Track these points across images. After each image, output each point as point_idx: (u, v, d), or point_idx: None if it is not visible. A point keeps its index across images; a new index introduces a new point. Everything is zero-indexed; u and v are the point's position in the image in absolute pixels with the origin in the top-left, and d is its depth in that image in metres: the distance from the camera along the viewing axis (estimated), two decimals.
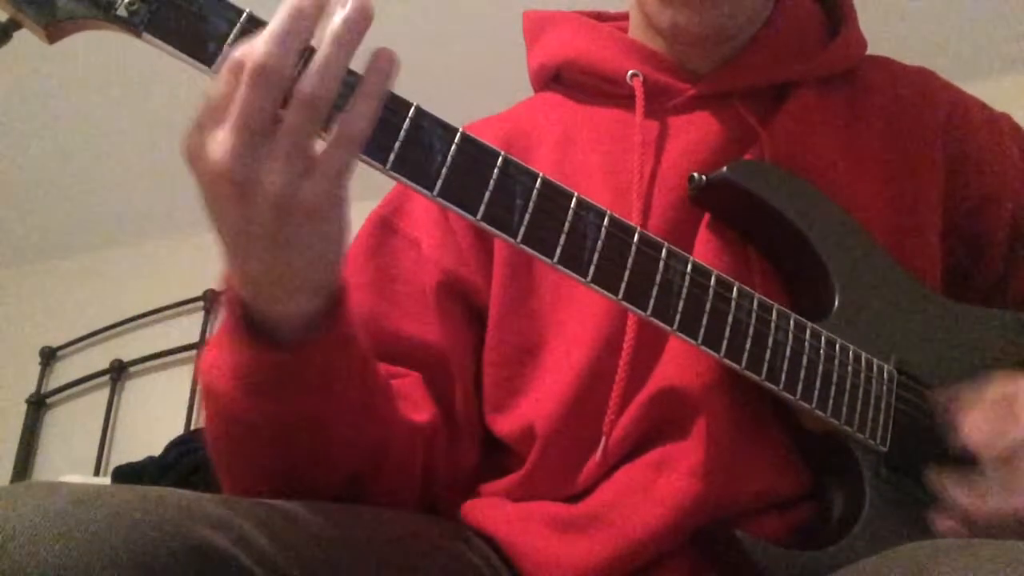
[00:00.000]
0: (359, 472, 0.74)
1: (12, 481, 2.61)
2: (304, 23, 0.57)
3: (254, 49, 0.57)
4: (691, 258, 0.72)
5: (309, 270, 0.62)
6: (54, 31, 0.60)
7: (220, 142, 0.57)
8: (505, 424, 0.86)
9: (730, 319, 0.73)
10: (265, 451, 0.70)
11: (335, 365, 0.67)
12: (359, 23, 0.58)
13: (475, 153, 0.65)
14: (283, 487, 0.70)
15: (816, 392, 0.75)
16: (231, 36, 0.60)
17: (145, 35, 0.60)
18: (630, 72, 0.89)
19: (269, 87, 0.56)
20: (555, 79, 0.97)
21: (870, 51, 0.96)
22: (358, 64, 0.60)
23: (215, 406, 0.70)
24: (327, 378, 0.67)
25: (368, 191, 0.92)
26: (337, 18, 0.58)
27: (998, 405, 0.78)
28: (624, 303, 0.69)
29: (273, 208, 0.58)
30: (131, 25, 0.60)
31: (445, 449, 0.84)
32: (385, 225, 0.90)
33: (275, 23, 0.57)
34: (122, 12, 0.59)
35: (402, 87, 0.63)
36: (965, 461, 0.77)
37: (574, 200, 0.68)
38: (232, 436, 0.71)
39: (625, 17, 0.98)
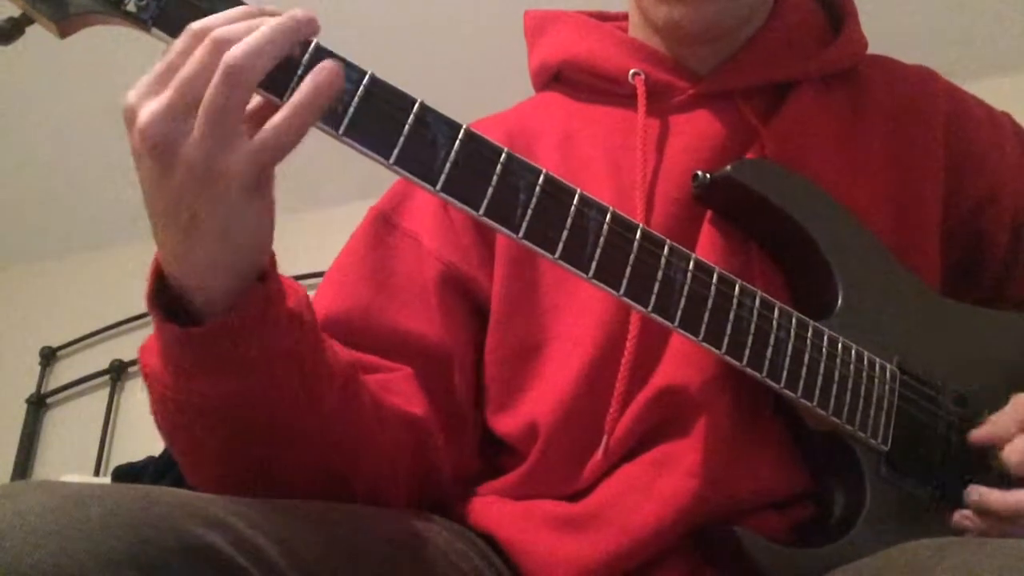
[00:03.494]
0: (328, 465, 0.72)
1: (12, 481, 2.61)
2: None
3: (231, 40, 0.58)
4: (693, 255, 0.73)
5: (224, 252, 0.61)
6: (66, 26, 0.61)
7: (153, 104, 0.58)
8: (507, 422, 0.86)
9: (732, 316, 0.73)
10: (203, 436, 0.68)
11: (258, 347, 0.64)
12: (302, 23, 0.61)
13: (478, 149, 0.65)
14: (239, 479, 0.68)
15: (817, 390, 0.76)
16: None
17: (154, 30, 0.61)
18: (632, 71, 0.90)
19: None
20: (556, 78, 0.97)
21: (870, 50, 0.97)
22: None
23: (149, 388, 0.68)
24: (249, 360, 0.64)
25: (371, 190, 0.93)
26: (286, 15, 0.60)
27: None
28: (625, 299, 0.69)
29: (188, 177, 0.58)
30: (140, 20, 0.60)
31: (443, 445, 0.83)
32: (384, 220, 0.90)
33: (261, 33, 0.59)
34: (132, 7, 0.60)
35: (405, 85, 0.63)
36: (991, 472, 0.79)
37: (577, 197, 0.68)
38: (169, 420, 0.69)
39: (626, 17, 0.98)
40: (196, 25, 0.59)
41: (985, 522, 0.78)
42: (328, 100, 0.60)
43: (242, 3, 0.62)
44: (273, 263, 0.66)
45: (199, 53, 0.58)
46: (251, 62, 0.58)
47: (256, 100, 0.62)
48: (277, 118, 0.59)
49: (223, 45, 0.58)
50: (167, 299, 0.64)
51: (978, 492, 0.78)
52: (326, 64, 0.60)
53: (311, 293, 0.81)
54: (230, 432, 0.67)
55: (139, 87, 0.59)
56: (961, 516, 0.79)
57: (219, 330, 0.62)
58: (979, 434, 0.81)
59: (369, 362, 0.81)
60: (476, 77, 2.13)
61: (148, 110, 0.58)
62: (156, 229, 0.62)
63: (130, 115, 0.59)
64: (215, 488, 0.66)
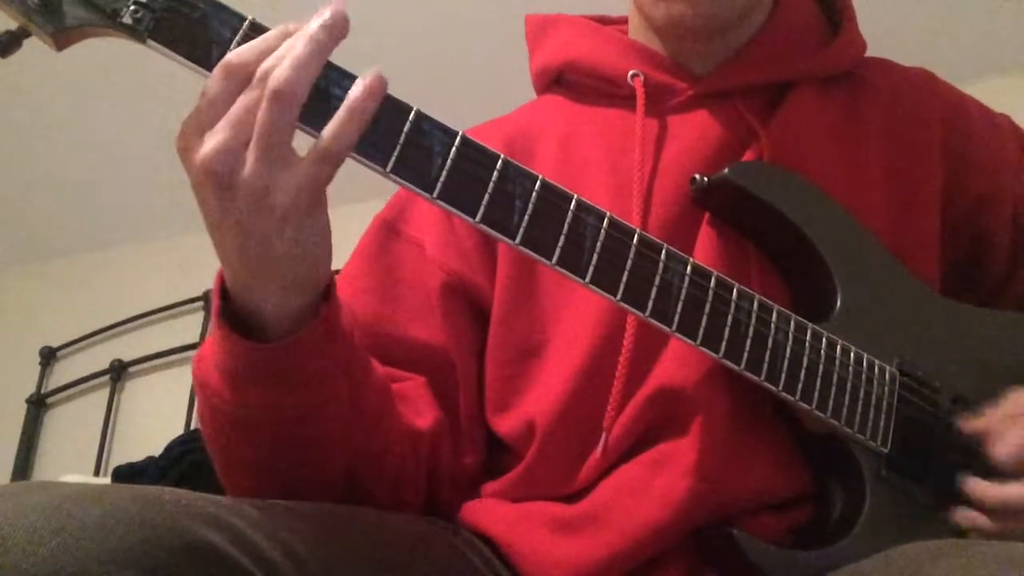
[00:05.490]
0: (358, 473, 0.75)
1: (12, 481, 2.61)
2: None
3: (275, 66, 0.59)
4: (691, 259, 0.73)
5: (291, 268, 0.63)
6: (62, 38, 0.61)
7: (209, 144, 0.59)
8: (506, 423, 0.86)
9: (729, 320, 0.73)
10: (255, 447, 0.71)
11: (319, 361, 0.67)
12: (335, 28, 0.60)
13: (475, 156, 0.65)
14: (279, 486, 0.71)
15: (816, 393, 0.76)
16: (233, 42, 0.61)
17: (150, 42, 0.61)
18: (631, 72, 0.90)
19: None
20: (557, 81, 0.97)
21: (869, 51, 0.97)
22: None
23: (204, 399, 0.70)
24: (311, 374, 0.67)
25: (371, 192, 0.93)
26: (315, 21, 0.60)
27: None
28: (623, 304, 0.69)
29: (250, 202, 0.60)
30: (136, 32, 0.61)
31: (450, 453, 0.84)
32: (389, 228, 0.91)
33: (300, 48, 0.59)
34: (127, 19, 0.60)
35: (403, 91, 0.64)
36: (991, 473, 0.79)
37: (573, 202, 0.68)
38: (221, 430, 0.72)
39: (626, 21, 0.98)
40: (234, 60, 0.60)
41: (982, 517, 0.78)
42: (378, 101, 0.61)
43: (244, 18, 0.62)
44: (333, 277, 0.68)
45: (254, 94, 0.59)
46: (294, 80, 0.59)
47: None
48: (332, 123, 0.60)
49: (266, 75, 0.59)
50: (231, 313, 0.66)
51: (972, 483, 0.79)
52: (373, 69, 0.61)
53: None
54: (278, 441, 0.70)
55: (187, 127, 0.61)
56: (961, 514, 0.79)
57: (291, 346, 0.65)
58: (969, 424, 0.82)
59: (384, 372, 0.82)
60: (475, 84, 2.13)
61: (207, 149, 0.59)
62: (219, 250, 0.64)
63: (185, 154, 0.61)
64: (249, 493, 0.69)
